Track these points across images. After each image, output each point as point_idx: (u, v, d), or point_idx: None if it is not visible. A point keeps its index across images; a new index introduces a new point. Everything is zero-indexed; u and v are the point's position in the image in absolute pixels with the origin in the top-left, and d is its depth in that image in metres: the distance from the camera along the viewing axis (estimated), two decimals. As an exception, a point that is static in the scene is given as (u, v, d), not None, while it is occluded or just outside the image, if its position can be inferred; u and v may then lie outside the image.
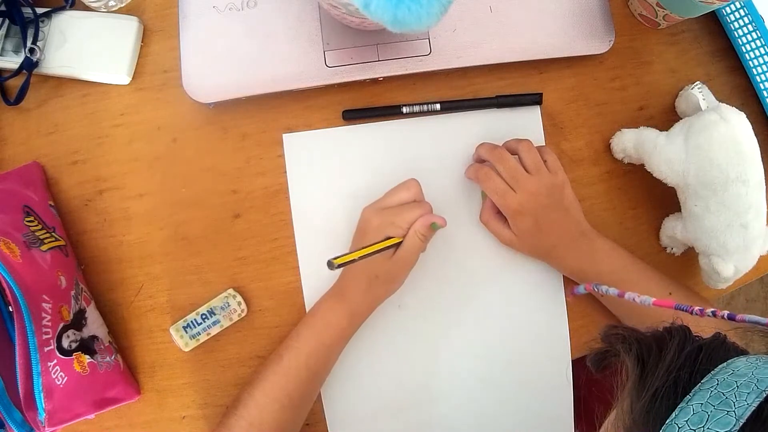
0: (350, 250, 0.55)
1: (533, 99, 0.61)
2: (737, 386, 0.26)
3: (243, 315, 0.57)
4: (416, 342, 0.60)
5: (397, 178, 0.56)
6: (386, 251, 0.52)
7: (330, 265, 0.47)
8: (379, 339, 0.59)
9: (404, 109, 0.60)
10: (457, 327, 0.60)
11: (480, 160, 0.58)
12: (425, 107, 0.60)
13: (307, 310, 0.58)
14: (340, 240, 0.58)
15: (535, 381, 0.60)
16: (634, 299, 0.41)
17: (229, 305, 0.57)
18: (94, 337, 0.53)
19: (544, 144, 0.61)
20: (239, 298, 0.57)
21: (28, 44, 0.56)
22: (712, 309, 0.32)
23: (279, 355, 0.53)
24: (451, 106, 0.60)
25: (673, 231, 0.58)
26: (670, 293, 0.55)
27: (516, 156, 0.56)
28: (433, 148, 0.61)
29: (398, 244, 0.53)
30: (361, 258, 0.49)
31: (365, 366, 0.59)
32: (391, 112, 0.60)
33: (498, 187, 0.55)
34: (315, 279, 0.58)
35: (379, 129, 0.60)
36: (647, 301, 0.39)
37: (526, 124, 0.61)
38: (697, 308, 0.33)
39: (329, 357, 0.55)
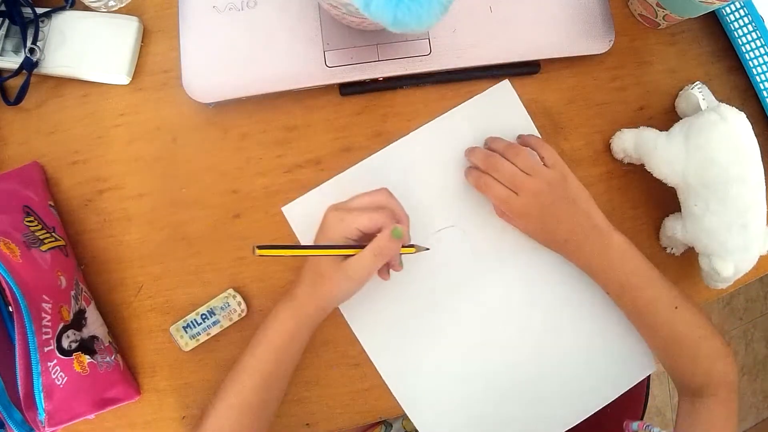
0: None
1: (531, 69, 0.61)
2: None
3: (243, 315, 0.57)
4: (480, 338, 0.60)
5: (406, 200, 0.55)
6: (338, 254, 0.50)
7: (253, 250, 0.45)
8: (449, 337, 0.59)
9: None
10: (498, 329, 0.60)
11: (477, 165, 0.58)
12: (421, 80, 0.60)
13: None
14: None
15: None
16: None
17: (229, 305, 0.57)
18: (94, 337, 0.53)
19: (527, 116, 0.61)
20: (239, 298, 0.57)
21: (28, 44, 0.56)
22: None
23: (238, 362, 0.52)
24: (445, 78, 0.60)
25: (673, 231, 0.58)
26: (676, 307, 0.54)
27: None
28: (428, 160, 0.60)
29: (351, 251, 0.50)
30: (288, 254, 0.48)
31: (432, 364, 0.59)
32: (390, 86, 0.60)
33: (500, 194, 0.55)
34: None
35: (371, 165, 0.59)
36: None
37: (503, 101, 0.61)
38: None
39: (283, 360, 0.52)
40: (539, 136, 0.61)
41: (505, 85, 0.61)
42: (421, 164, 0.60)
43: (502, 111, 0.60)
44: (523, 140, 0.58)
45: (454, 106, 0.61)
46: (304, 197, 0.59)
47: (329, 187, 0.59)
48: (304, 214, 0.59)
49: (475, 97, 0.61)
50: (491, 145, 0.57)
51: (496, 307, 0.60)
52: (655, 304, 0.54)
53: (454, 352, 0.59)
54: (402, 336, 0.59)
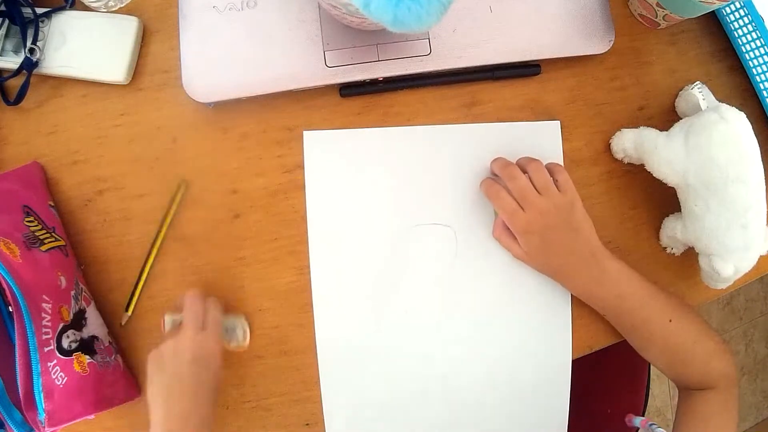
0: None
1: (532, 71, 0.61)
2: None
3: (239, 348, 0.56)
4: (417, 343, 0.59)
5: (417, 184, 0.56)
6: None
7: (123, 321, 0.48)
8: (381, 341, 0.59)
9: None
10: (460, 330, 0.60)
11: (495, 175, 0.58)
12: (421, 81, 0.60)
13: (314, 308, 0.58)
14: (351, 240, 0.57)
15: (535, 381, 0.60)
16: None
17: (235, 332, 0.56)
18: (94, 337, 0.53)
19: (561, 160, 0.61)
20: (248, 331, 0.57)
21: (28, 44, 0.56)
22: None
23: None
24: (445, 79, 0.60)
25: (673, 231, 0.58)
26: (671, 320, 0.55)
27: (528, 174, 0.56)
28: (452, 157, 0.60)
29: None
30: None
31: (364, 368, 0.59)
32: (390, 87, 0.60)
33: (507, 205, 0.55)
34: (325, 275, 0.58)
35: (400, 134, 0.60)
36: None
37: (545, 139, 0.61)
38: None
39: None
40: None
41: (555, 125, 0.61)
42: (443, 158, 0.60)
43: (540, 148, 0.60)
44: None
45: (454, 106, 0.61)
46: (328, 132, 0.60)
47: (356, 134, 0.60)
48: (321, 148, 0.59)
49: (521, 122, 0.61)
50: (518, 160, 0.58)
51: (462, 316, 0.60)
52: (650, 321, 0.55)
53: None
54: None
